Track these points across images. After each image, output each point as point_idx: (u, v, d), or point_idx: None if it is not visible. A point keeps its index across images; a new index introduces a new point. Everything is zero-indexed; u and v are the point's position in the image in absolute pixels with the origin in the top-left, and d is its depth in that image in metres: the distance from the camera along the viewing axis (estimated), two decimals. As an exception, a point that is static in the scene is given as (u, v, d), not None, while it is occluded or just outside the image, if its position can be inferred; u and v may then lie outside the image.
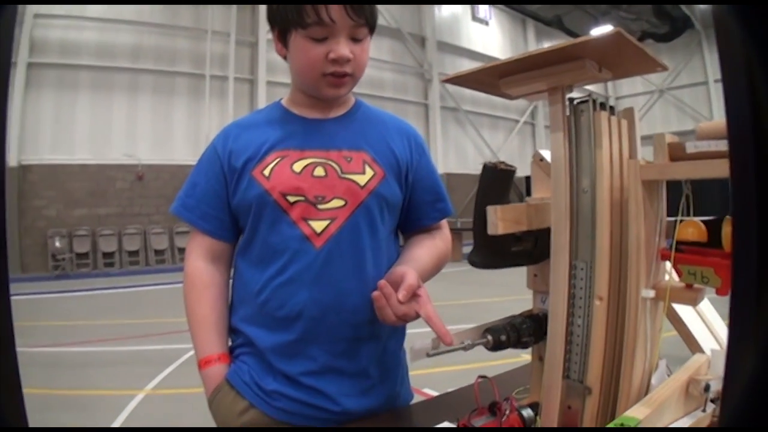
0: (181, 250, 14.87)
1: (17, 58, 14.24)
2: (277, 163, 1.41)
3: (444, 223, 1.65)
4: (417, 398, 1.63)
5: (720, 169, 1.02)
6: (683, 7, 21.66)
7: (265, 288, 1.41)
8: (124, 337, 7.30)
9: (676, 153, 1.15)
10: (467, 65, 23.25)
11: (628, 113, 1.31)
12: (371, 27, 1.38)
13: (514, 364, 1.87)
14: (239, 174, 1.44)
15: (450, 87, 21.87)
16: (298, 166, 1.41)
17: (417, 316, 1.28)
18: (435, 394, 4.42)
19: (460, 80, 1.38)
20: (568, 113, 1.25)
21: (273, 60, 17.70)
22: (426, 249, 1.53)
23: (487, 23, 24.82)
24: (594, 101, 1.24)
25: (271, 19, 1.41)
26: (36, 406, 4.48)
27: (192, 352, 1.51)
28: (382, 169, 1.45)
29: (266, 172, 1.41)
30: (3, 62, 0.59)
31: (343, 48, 1.32)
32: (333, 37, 1.32)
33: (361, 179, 1.42)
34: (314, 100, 1.48)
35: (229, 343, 1.53)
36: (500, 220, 1.23)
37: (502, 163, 1.31)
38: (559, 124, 1.22)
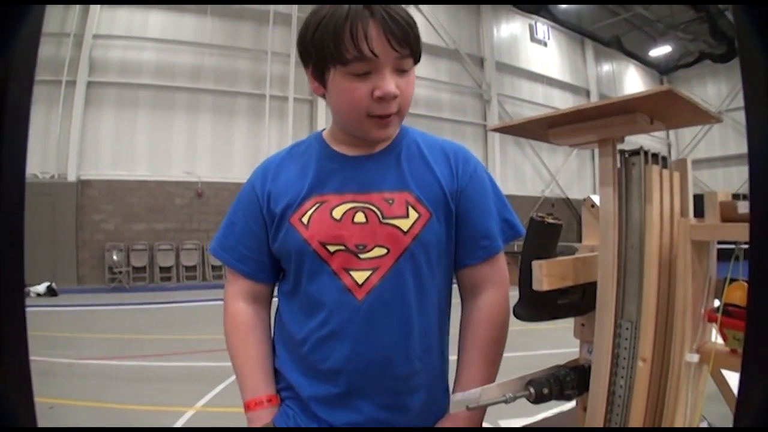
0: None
1: (77, 78, 14.70)
2: (315, 209, 1.34)
3: (496, 260, 1.42)
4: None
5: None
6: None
7: (307, 339, 1.35)
8: (177, 352, 7.30)
9: (728, 213, 1.12)
10: (526, 86, 23.33)
11: (681, 165, 1.29)
12: (417, 56, 1.27)
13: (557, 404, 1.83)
14: (278, 220, 1.38)
15: (509, 108, 21.81)
16: (337, 212, 1.32)
17: None
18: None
19: (508, 129, 1.37)
20: (618, 165, 1.23)
21: (333, 81, 17.87)
22: (476, 362, 1.40)
23: (545, 44, 24.54)
24: (646, 153, 1.21)
25: (304, 55, 1.30)
26: (85, 419, 4.53)
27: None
28: (427, 210, 1.33)
29: (305, 219, 1.34)
30: (29, 61, 0.61)
31: (388, 84, 1.21)
32: (377, 71, 1.21)
33: (404, 224, 1.31)
34: (357, 139, 1.38)
35: None
36: (545, 276, 1.21)
37: (550, 215, 1.29)
38: (609, 177, 1.20)
